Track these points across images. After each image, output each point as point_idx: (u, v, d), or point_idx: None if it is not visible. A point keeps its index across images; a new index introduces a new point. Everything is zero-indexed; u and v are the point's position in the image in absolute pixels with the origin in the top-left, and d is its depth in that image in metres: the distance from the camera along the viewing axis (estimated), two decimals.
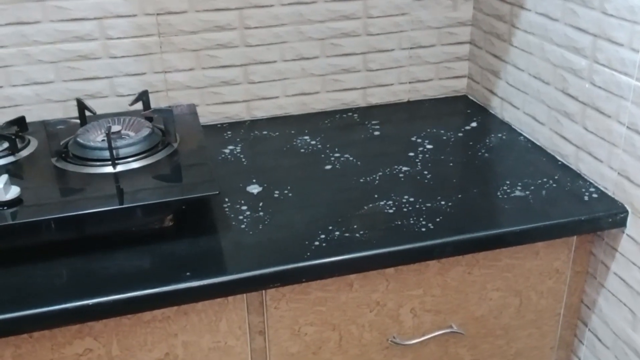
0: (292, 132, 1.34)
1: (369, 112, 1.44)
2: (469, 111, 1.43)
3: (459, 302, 1.06)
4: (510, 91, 1.33)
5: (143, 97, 1.18)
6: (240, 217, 1.02)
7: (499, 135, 1.30)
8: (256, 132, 1.35)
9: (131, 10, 1.25)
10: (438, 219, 1.00)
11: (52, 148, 1.06)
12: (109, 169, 1.01)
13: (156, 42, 1.29)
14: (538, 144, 1.25)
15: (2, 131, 1.11)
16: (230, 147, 1.27)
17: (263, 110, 1.41)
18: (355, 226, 0.99)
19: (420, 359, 1.09)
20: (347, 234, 0.97)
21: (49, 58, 1.25)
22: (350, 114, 1.43)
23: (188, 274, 0.88)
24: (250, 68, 1.36)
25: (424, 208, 1.04)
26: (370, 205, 1.05)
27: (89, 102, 1.20)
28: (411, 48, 1.44)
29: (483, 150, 1.24)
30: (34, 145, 1.10)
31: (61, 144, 1.09)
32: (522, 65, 1.27)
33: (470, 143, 1.27)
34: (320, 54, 1.39)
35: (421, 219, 1.00)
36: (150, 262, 0.91)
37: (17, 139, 1.09)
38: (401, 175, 1.15)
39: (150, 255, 0.93)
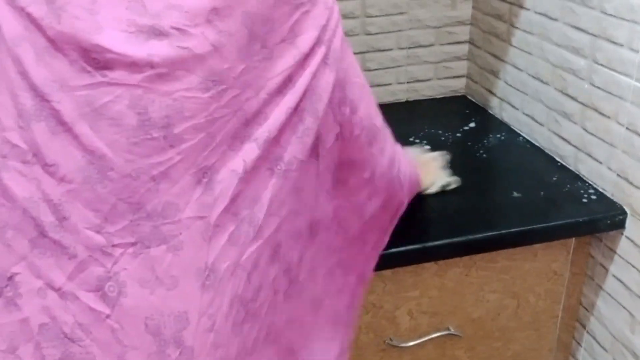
0: None
1: None
2: (467, 111, 1.43)
3: (456, 303, 1.05)
4: (509, 91, 1.32)
5: None
6: None
7: (498, 135, 1.29)
8: None
9: None
10: (435, 220, 0.99)
11: None
12: None
13: None
14: (537, 144, 1.24)
15: None
16: None
17: None
18: None
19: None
20: None
21: None
22: None
23: None
24: None
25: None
26: None
27: None
28: (409, 47, 1.43)
29: (481, 151, 1.23)
30: None
31: None
32: (521, 65, 1.26)
33: (469, 143, 1.26)
34: None
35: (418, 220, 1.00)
36: None
37: None
38: None
39: None
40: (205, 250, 0.60)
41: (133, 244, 0.58)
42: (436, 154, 1.12)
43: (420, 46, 1.44)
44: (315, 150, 0.68)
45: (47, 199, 0.57)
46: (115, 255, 0.58)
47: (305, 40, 0.64)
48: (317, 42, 0.65)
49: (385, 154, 0.78)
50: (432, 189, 1.05)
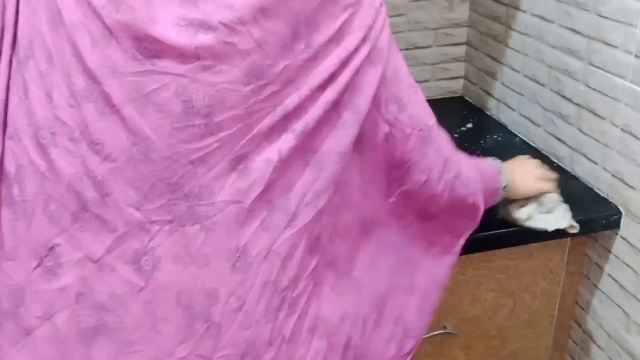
0: None
1: None
2: (465, 112, 1.43)
3: (453, 302, 1.06)
4: (506, 92, 1.33)
5: None
6: None
7: (495, 136, 1.30)
8: None
9: None
10: None
11: None
12: None
13: None
14: (533, 145, 1.25)
15: None
16: None
17: None
18: None
19: (414, 359, 1.08)
20: None
21: None
22: None
23: None
24: None
25: None
26: None
27: None
28: (407, 49, 1.44)
29: (479, 152, 1.24)
30: None
31: None
32: (518, 67, 1.27)
33: (466, 144, 1.27)
34: None
35: None
36: None
37: None
38: None
39: None
40: (238, 234, 0.63)
41: (169, 222, 0.61)
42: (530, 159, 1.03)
43: (418, 47, 1.45)
44: (358, 145, 0.69)
45: (91, 175, 0.60)
46: (152, 232, 0.61)
47: (351, 41, 0.66)
48: (363, 41, 0.67)
49: (440, 156, 0.78)
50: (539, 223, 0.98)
